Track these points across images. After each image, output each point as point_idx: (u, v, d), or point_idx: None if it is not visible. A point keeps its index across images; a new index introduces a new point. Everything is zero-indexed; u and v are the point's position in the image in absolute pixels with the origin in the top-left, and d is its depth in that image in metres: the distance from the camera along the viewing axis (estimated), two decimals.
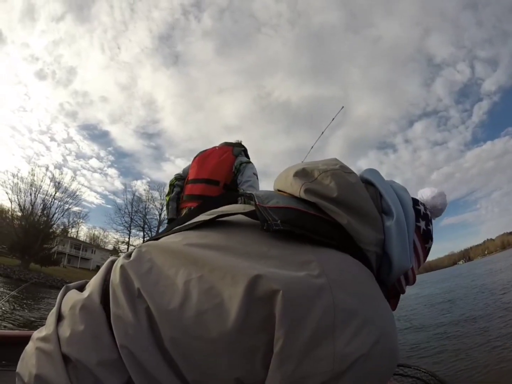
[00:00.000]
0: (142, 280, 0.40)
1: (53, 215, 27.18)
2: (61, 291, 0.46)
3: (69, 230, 35.43)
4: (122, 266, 0.42)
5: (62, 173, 29.13)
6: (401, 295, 0.61)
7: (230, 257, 0.40)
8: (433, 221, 0.65)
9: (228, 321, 0.35)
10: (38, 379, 0.36)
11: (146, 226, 32.38)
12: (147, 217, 32.94)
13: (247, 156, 2.10)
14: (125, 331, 0.37)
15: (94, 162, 59.55)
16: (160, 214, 32.02)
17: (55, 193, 27.17)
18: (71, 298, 0.42)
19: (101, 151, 62.19)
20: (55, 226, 28.29)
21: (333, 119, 2.19)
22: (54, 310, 0.42)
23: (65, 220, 30.97)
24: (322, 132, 2.20)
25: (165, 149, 78.17)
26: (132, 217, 32.66)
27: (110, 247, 38.27)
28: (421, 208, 0.62)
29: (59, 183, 27.61)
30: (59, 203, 27.51)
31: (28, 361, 0.39)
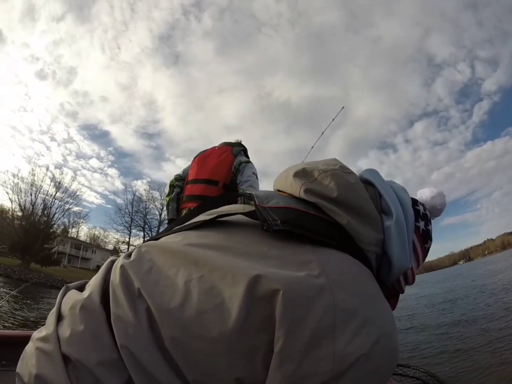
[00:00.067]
0: (142, 280, 0.40)
1: (54, 215, 27.25)
2: (61, 291, 0.46)
3: (70, 230, 35.52)
4: (122, 266, 0.42)
5: (62, 173, 29.17)
6: (401, 295, 0.61)
7: (230, 257, 0.40)
8: (432, 221, 0.65)
9: (229, 321, 0.35)
10: (38, 379, 0.36)
11: (146, 226, 32.42)
12: (147, 217, 32.98)
13: (246, 155, 2.10)
14: (125, 331, 0.37)
15: (94, 162, 59.72)
16: (160, 214, 32.08)
17: (56, 193, 27.23)
18: (71, 298, 0.42)
19: (101, 151, 62.39)
20: (55, 226, 28.37)
21: (333, 119, 2.19)
22: (54, 310, 0.42)
23: (66, 220, 31.05)
24: (322, 133, 2.20)
25: (165, 149, 78.34)
26: (133, 217, 32.70)
27: (110, 247, 38.35)
28: (421, 208, 0.62)
29: (59, 183, 27.67)
30: (60, 203, 27.57)
31: (28, 361, 0.39)
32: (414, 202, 0.62)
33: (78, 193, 29.28)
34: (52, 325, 0.40)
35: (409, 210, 0.54)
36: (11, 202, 25.53)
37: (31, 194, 25.87)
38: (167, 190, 2.20)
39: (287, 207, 0.47)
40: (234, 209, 0.53)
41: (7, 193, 25.42)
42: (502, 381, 3.49)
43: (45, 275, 21.92)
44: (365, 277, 0.42)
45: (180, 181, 2.10)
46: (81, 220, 35.16)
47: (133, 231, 32.73)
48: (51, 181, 27.22)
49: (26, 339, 0.43)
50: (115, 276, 0.41)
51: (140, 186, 55.10)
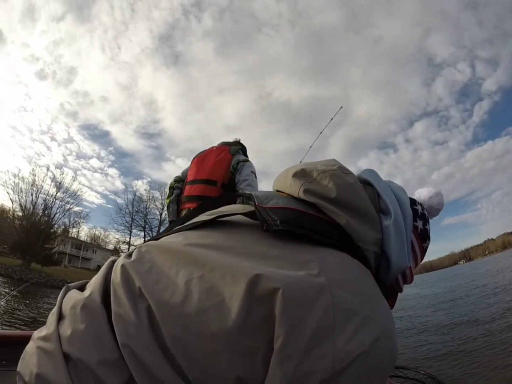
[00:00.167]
0: (143, 279, 0.40)
1: (54, 215, 27.25)
2: (61, 291, 0.46)
3: (70, 230, 35.59)
4: (123, 266, 0.42)
5: (63, 173, 29.14)
6: (402, 295, 0.61)
7: (230, 257, 0.40)
8: (430, 220, 0.66)
9: (229, 319, 0.35)
10: (39, 378, 0.37)
11: (147, 226, 32.44)
12: (148, 217, 33.01)
13: (245, 154, 2.09)
14: (127, 330, 0.37)
15: (94, 162, 59.85)
16: (161, 214, 32.12)
17: (56, 193, 27.24)
18: (72, 298, 0.43)
19: (101, 151, 62.54)
20: (56, 226, 28.37)
21: (332, 119, 2.20)
22: (55, 310, 0.42)
23: (66, 220, 31.10)
24: (321, 132, 2.20)
25: (165, 149, 78.46)
26: (133, 217, 32.72)
27: (111, 247, 38.35)
28: (419, 208, 0.63)
29: (60, 183, 27.68)
30: (60, 203, 27.58)
31: (29, 360, 0.39)
32: (412, 202, 0.62)
33: (78, 193, 29.34)
34: (53, 325, 0.40)
35: (408, 210, 0.55)
36: (12, 202, 25.61)
37: (31, 194, 25.93)
38: (167, 190, 2.20)
39: (287, 207, 0.48)
40: (234, 209, 0.53)
41: (8, 193, 25.51)
42: None
43: (45, 275, 21.92)
44: (364, 277, 0.42)
45: (179, 182, 2.10)
46: (82, 220, 35.30)
47: (134, 231, 32.80)
48: (51, 181, 27.29)
49: (26, 339, 0.43)
50: (116, 275, 0.41)
51: (141, 186, 55.25)
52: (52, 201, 26.90)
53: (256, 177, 1.96)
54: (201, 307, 0.37)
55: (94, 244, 40.40)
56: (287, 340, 0.34)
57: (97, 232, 42.92)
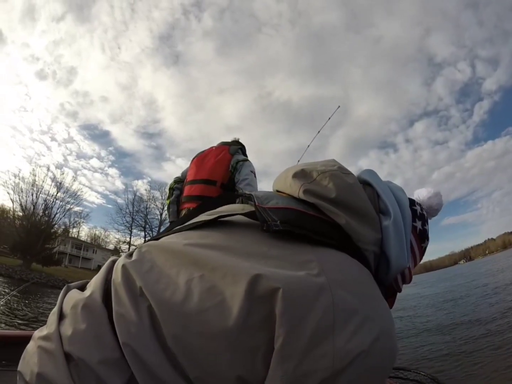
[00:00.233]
0: (144, 278, 0.40)
1: (55, 215, 27.24)
2: (62, 291, 0.46)
3: (71, 230, 35.59)
4: (123, 266, 0.42)
5: (63, 173, 29.13)
6: (403, 295, 0.61)
7: (230, 257, 0.40)
8: (429, 221, 0.66)
9: (230, 319, 0.35)
10: (40, 377, 0.37)
11: (147, 226, 32.48)
12: (148, 217, 33.06)
13: (244, 154, 2.09)
14: (128, 329, 0.37)
15: (94, 162, 59.96)
16: (161, 214, 32.15)
17: (57, 193, 27.23)
18: (73, 298, 0.43)
19: (101, 151, 62.62)
20: (56, 226, 28.37)
21: (329, 118, 2.21)
22: (55, 309, 0.42)
23: (67, 220, 31.11)
24: (318, 131, 2.21)
25: (165, 149, 78.58)
26: (133, 217, 32.77)
27: (111, 247, 38.36)
28: (418, 208, 0.63)
29: (60, 183, 27.67)
30: (61, 203, 27.58)
31: (29, 359, 0.39)
32: (411, 202, 0.63)
33: (79, 193, 29.34)
34: (54, 324, 0.40)
35: (407, 210, 0.55)
36: (13, 202, 25.58)
37: (32, 194, 25.93)
38: (167, 190, 2.20)
39: (287, 207, 0.48)
40: (234, 210, 0.53)
41: (8, 193, 25.49)
42: None
43: (46, 275, 21.91)
44: (364, 277, 0.43)
45: (179, 183, 2.10)
46: (82, 220, 35.33)
47: (134, 231, 32.85)
48: (52, 181, 27.28)
49: (26, 339, 0.43)
50: (117, 275, 0.42)
51: (141, 186, 55.42)
52: (53, 201, 26.95)
53: (255, 176, 1.96)
54: (201, 306, 0.37)
55: (95, 244, 40.41)
56: (287, 339, 0.34)
57: (97, 232, 43.01)
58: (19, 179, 25.87)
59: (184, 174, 2.11)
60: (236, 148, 2.04)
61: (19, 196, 25.52)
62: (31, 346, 0.41)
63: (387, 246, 0.49)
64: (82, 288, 0.46)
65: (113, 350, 0.37)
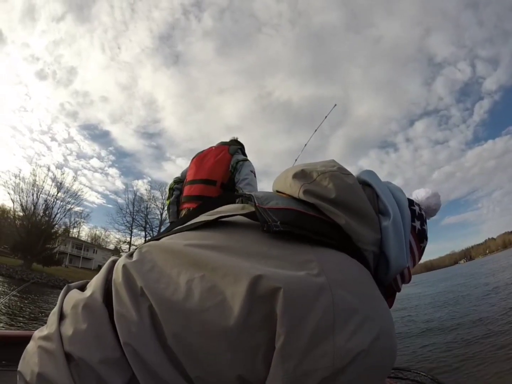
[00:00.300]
0: (144, 278, 0.40)
1: (55, 215, 27.26)
2: (62, 291, 0.46)
3: (71, 230, 35.61)
4: (124, 266, 0.42)
5: (63, 173, 29.14)
6: (404, 295, 0.62)
7: (231, 257, 0.41)
8: (428, 221, 0.67)
9: (231, 318, 0.36)
10: (40, 377, 0.37)
11: (147, 226, 32.50)
12: (148, 216, 33.07)
13: (244, 153, 2.09)
14: (129, 329, 0.38)
15: (95, 162, 59.97)
16: (161, 214, 32.16)
17: (57, 193, 27.24)
18: (73, 298, 0.43)
19: (102, 151, 62.62)
20: (57, 226, 28.38)
21: (326, 117, 2.23)
22: (56, 309, 0.42)
23: (67, 220, 31.12)
24: (315, 130, 2.23)
25: (166, 149, 78.60)
26: (134, 216, 32.79)
27: (111, 247, 38.36)
28: (416, 208, 0.64)
29: (60, 183, 27.67)
30: (61, 203, 27.59)
31: (30, 359, 0.39)
32: (410, 202, 0.63)
33: (79, 193, 29.34)
34: (54, 324, 0.40)
35: (406, 211, 0.55)
36: (13, 202, 25.59)
37: (32, 194, 25.94)
38: (167, 190, 2.20)
39: (287, 208, 0.48)
40: (234, 210, 0.53)
41: (9, 193, 25.50)
42: None
43: (47, 275, 21.94)
44: (364, 277, 0.43)
45: (179, 183, 2.10)
46: (83, 220, 35.32)
47: (135, 231, 32.89)
48: (52, 181, 27.29)
49: (26, 339, 0.43)
50: (118, 275, 0.42)
51: (141, 186, 55.17)
52: (53, 201, 26.96)
53: (255, 176, 1.96)
54: (202, 306, 0.37)
55: (95, 244, 40.45)
56: (288, 339, 0.34)
57: (97, 232, 43.05)
58: (19, 179, 25.96)
59: (184, 174, 2.10)
60: (235, 148, 2.03)
61: (19, 196, 25.59)
62: (31, 346, 0.41)
63: (387, 246, 0.49)
64: (82, 288, 0.46)
65: (114, 350, 0.37)
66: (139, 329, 0.38)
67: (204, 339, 0.36)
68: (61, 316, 0.41)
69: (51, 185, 27.04)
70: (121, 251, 33.54)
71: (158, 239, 0.49)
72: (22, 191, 25.63)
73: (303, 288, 0.36)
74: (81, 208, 33.61)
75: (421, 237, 0.62)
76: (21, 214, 25.95)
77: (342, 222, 0.46)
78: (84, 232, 42.02)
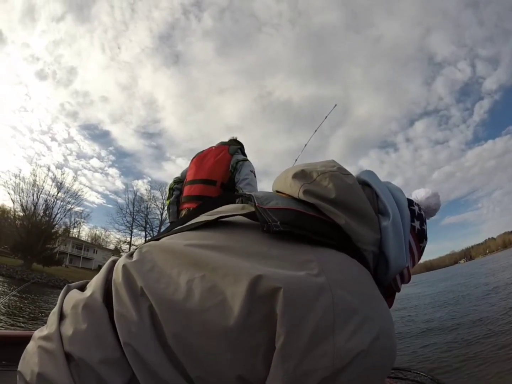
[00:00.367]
0: (145, 278, 0.40)
1: (55, 215, 27.26)
2: (62, 291, 0.46)
3: (71, 230, 35.63)
4: (124, 266, 0.42)
5: (63, 173, 29.14)
6: (404, 295, 0.62)
7: (231, 257, 0.41)
8: (427, 221, 0.67)
9: (231, 318, 0.36)
10: (40, 377, 0.37)
11: (148, 225, 32.50)
12: (149, 216, 33.09)
13: (243, 153, 2.09)
14: (129, 329, 0.38)
15: (95, 162, 59.94)
16: (161, 214, 32.16)
17: (57, 193, 27.24)
18: (73, 298, 0.43)
19: (102, 151, 62.56)
20: (57, 226, 28.38)
21: (326, 117, 2.23)
22: (56, 309, 0.42)
23: (67, 220, 31.14)
24: (315, 130, 2.23)
25: (166, 149, 78.50)
26: (134, 216, 32.80)
27: (112, 247, 38.39)
28: (416, 208, 0.64)
29: (61, 183, 27.67)
30: (61, 203, 27.59)
31: (30, 359, 0.39)
32: (410, 202, 0.63)
33: (79, 193, 29.33)
34: (55, 324, 0.40)
35: (405, 211, 0.55)
36: (13, 203, 25.59)
37: (32, 195, 25.94)
38: (167, 190, 2.20)
39: (287, 208, 0.48)
40: (233, 210, 0.53)
41: (9, 193, 25.50)
42: None
43: (47, 275, 21.95)
44: (364, 277, 0.43)
45: (179, 183, 2.10)
46: (83, 220, 35.36)
47: (135, 230, 32.89)
48: (52, 181, 27.28)
49: (26, 339, 0.43)
50: (118, 275, 0.42)
51: (141, 186, 55.11)
52: (53, 201, 26.97)
53: (255, 176, 1.96)
54: (202, 306, 0.37)
55: (95, 244, 40.47)
56: (288, 339, 0.34)
57: (98, 232, 43.06)
58: (19, 179, 25.95)
59: (184, 174, 2.10)
60: (235, 148, 2.03)
61: (19, 196, 25.59)
62: (31, 346, 0.41)
63: (386, 246, 0.49)
64: (82, 288, 0.46)
65: (114, 350, 0.37)
66: (139, 329, 0.38)
67: (204, 339, 0.37)
68: (61, 316, 0.41)
69: (51, 185, 27.10)
70: (121, 251, 33.54)
71: (158, 239, 0.49)
72: (22, 191, 25.69)
73: (303, 288, 0.36)
74: (81, 208, 33.72)
75: (420, 237, 0.62)
76: (21, 214, 26.01)
77: (342, 222, 0.47)
78: (84, 232, 42.14)
